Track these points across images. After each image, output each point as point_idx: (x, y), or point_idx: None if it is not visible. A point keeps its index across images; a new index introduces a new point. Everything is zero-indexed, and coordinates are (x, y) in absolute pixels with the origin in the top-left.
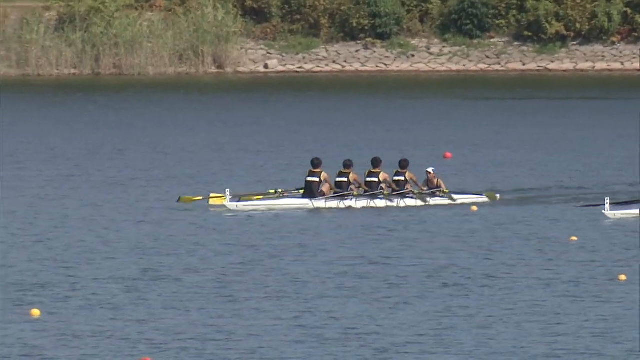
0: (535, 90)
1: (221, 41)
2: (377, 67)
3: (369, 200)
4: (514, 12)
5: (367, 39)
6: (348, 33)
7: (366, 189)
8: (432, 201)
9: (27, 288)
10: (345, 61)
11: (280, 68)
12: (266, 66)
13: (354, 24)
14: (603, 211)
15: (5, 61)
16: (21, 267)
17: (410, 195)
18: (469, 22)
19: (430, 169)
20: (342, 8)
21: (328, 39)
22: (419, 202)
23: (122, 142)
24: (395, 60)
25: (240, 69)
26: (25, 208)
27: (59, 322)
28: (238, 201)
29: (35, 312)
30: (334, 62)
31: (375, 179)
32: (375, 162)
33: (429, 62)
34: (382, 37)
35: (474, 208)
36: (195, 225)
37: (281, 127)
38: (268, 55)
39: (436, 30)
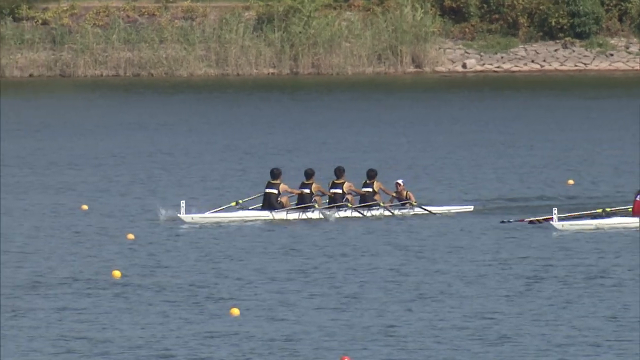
0: None
1: (419, 41)
2: (575, 66)
3: (336, 212)
4: None
5: (566, 38)
6: (547, 32)
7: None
8: (403, 213)
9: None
10: (544, 60)
11: (479, 67)
12: (464, 65)
13: (553, 23)
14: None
15: (205, 60)
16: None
17: (377, 207)
18: None
19: (399, 181)
20: (541, 7)
21: (527, 38)
22: (387, 213)
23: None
24: (594, 59)
25: (438, 68)
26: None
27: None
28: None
29: (235, 311)
30: (532, 61)
31: (339, 190)
32: (339, 172)
33: (627, 61)
34: (580, 36)
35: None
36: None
37: (466, 126)
38: (466, 54)
39: (635, 29)
